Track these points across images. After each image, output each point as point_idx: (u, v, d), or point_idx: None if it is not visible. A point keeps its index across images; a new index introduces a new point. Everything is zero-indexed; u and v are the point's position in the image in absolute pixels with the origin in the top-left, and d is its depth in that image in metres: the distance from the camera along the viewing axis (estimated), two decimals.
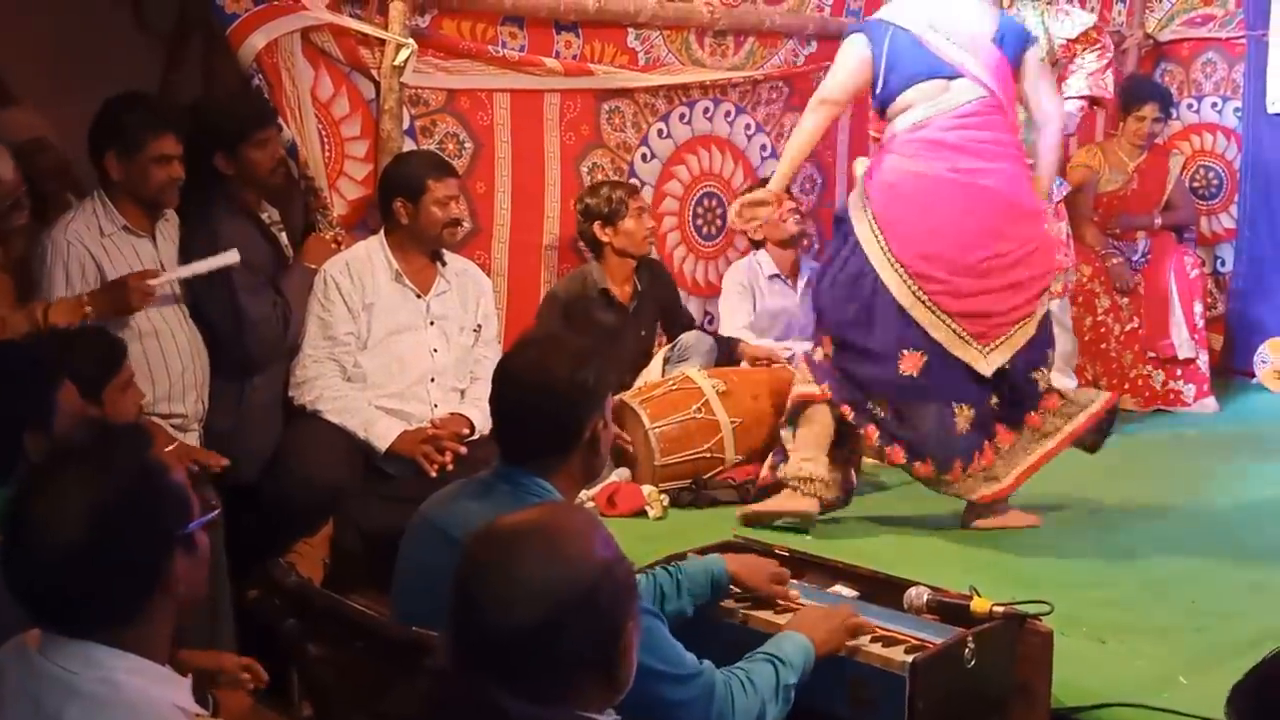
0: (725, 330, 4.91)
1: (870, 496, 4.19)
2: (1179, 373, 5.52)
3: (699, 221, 5.24)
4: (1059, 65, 4.88)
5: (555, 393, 2.24)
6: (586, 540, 1.55)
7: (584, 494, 3.78)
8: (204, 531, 1.79)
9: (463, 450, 3.73)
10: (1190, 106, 6.11)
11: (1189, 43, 6.08)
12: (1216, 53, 6.04)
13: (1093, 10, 5.56)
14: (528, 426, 2.26)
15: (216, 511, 3.15)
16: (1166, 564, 3.52)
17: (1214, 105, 6.06)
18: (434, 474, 3.64)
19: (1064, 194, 5.19)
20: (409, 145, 4.30)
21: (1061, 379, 4.63)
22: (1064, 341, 4.86)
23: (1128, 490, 4.07)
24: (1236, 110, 5.98)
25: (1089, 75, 4.94)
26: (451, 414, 3.88)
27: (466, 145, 4.52)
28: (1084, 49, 4.93)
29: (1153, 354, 5.54)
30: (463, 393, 4.01)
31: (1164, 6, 6.09)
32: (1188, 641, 2.79)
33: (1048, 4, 4.92)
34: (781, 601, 2.59)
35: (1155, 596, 3.27)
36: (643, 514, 3.89)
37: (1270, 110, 5.74)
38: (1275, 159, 5.80)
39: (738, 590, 2.62)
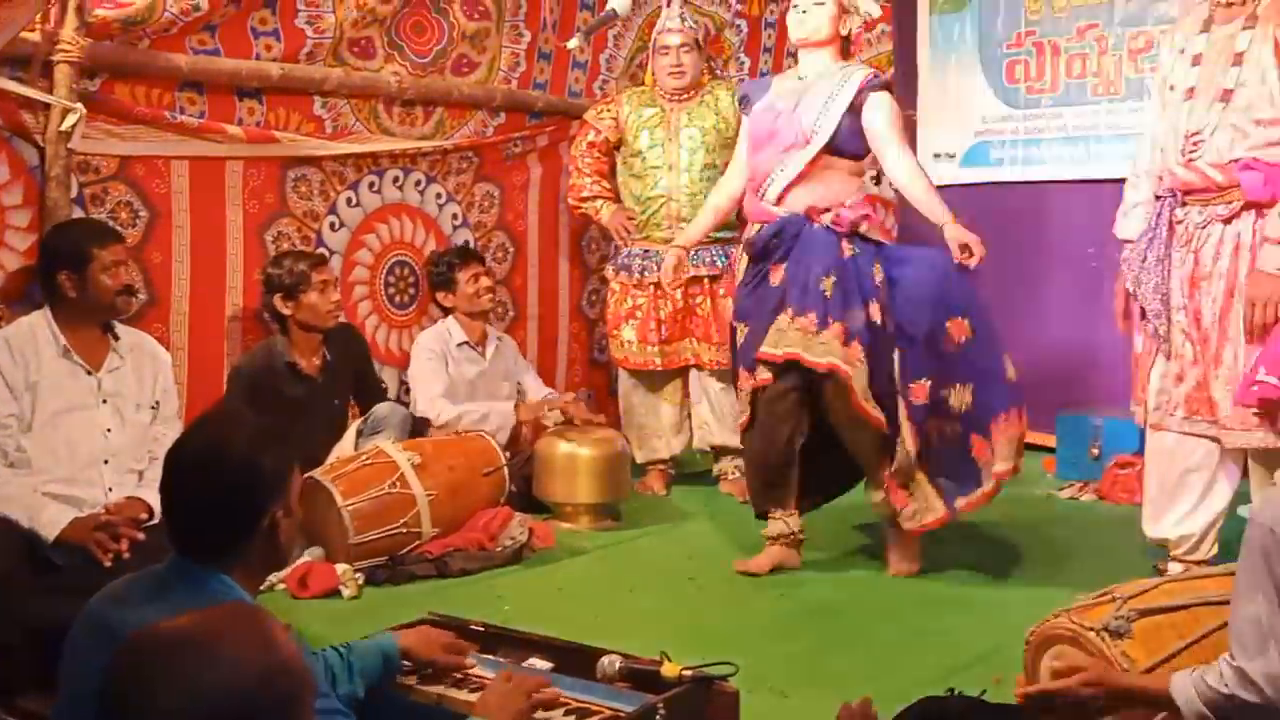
0: (420, 397, 4.88)
1: (571, 561, 4.24)
2: None
3: (391, 290, 5.19)
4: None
5: (228, 480, 2.10)
6: (244, 651, 1.44)
7: (273, 576, 3.65)
8: None
9: (140, 536, 3.52)
10: None
11: None
12: None
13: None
14: (199, 516, 2.11)
15: None
16: (847, 614, 3.71)
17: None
18: (108, 563, 3.42)
19: None
20: (78, 214, 4.09)
21: None
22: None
23: (815, 545, 4.26)
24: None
25: None
26: (128, 498, 3.66)
27: (141, 214, 4.33)
28: None
29: None
30: (141, 474, 3.80)
31: None
32: (862, 690, 2.91)
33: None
34: (459, 673, 2.57)
35: (834, 646, 3.44)
36: (336, 594, 3.79)
37: None
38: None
39: (409, 665, 2.57)
